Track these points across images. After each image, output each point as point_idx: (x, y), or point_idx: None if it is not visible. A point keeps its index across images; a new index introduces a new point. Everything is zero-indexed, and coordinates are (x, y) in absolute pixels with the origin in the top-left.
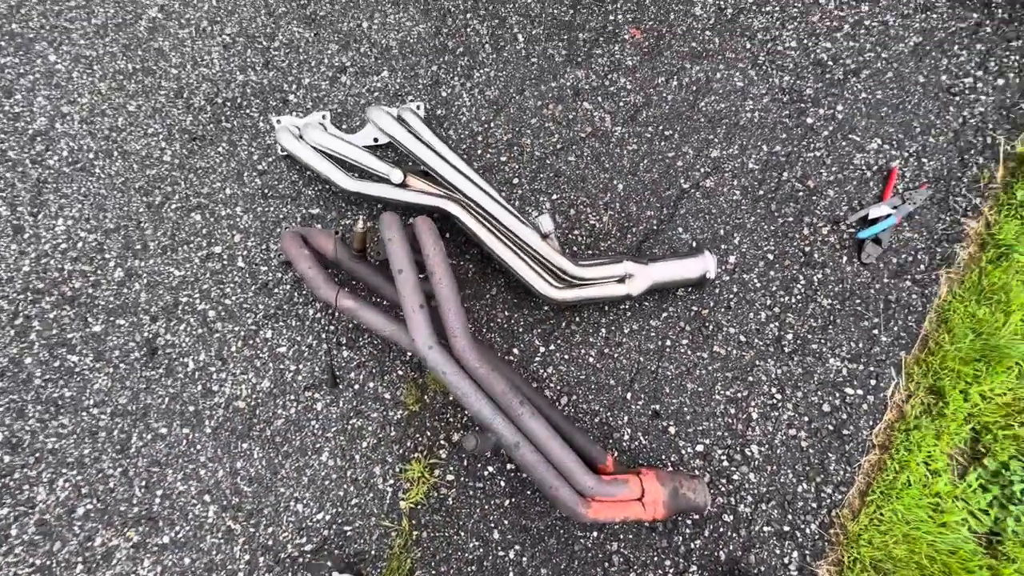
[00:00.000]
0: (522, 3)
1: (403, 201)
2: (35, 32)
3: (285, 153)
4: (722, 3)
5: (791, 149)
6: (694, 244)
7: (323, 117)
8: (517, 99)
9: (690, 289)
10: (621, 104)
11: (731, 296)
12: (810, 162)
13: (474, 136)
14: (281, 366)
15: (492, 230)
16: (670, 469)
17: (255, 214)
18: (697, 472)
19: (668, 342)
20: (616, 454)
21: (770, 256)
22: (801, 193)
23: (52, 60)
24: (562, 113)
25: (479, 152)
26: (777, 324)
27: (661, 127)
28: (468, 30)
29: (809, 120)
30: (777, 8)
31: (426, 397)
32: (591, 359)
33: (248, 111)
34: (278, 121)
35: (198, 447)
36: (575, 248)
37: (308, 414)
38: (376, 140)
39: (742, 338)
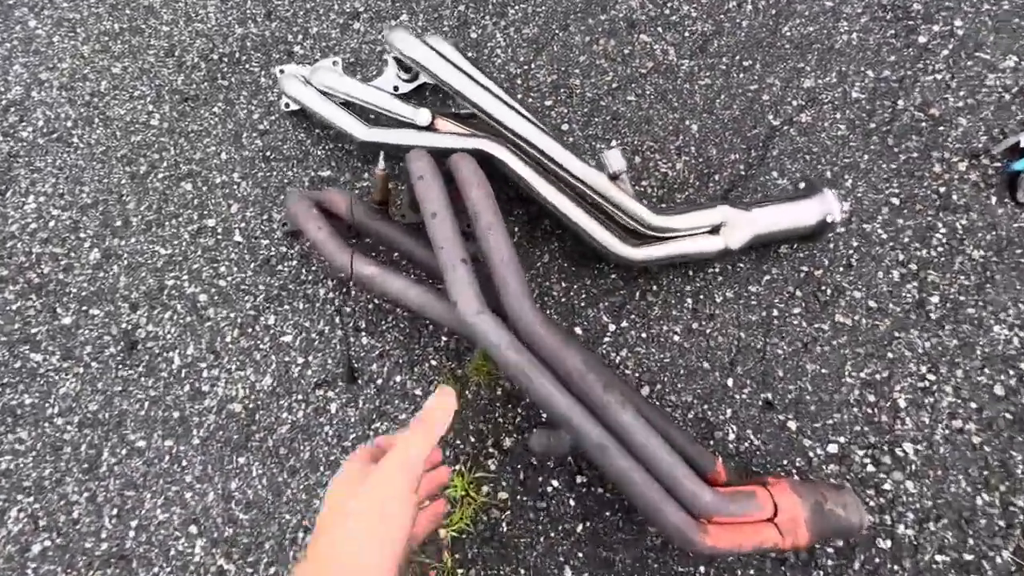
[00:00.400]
0: None
1: (433, 147)
2: None
3: (290, 109)
4: None
5: (904, 73)
6: (803, 184)
7: (334, 63)
8: (561, 36)
9: (796, 246)
10: (687, 34)
11: (850, 252)
12: (930, 87)
13: (512, 79)
14: (286, 359)
15: (545, 174)
16: (806, 479)
17: (255, 180)
18: (836, 481)
19: (775, 312)
20: (721, 459)
21: (895, 201)
22: (924, 124)
23: (32, 26)
24: (616, 48)
25: (519, 97)
26: (916, 284)
27: (738, 57)
28: None
29: (922, 39)
30: None
31: (467, 393)
32: (676, 337)
33: (248, 66)
34: (281, 70)
35: (184, 463)
36: (645, 201)
37: (320, 418)
38: (396, 88)
39: (872, 303)
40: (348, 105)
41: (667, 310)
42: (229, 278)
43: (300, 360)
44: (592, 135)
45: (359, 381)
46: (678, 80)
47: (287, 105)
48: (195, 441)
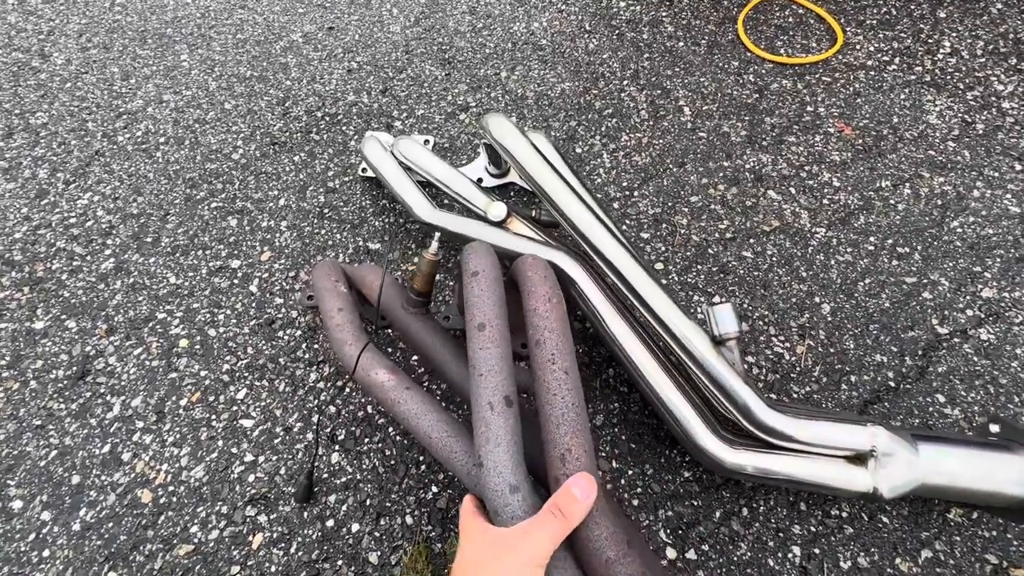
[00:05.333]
0: (693, 80)
1: (500, 247)
2: (182, 36)
3: (365, 174)
4: (967, 117)
5: None
6: (997, 425)
7: (425, 141)
8: (675, 171)
9: (979, 514)
10: (825, 202)
11: None
12: None
13: (609, 200)
14: (234, 450)
15: (627, 316)
16: None
17: (300, 232)
18: None
19: None
20: None
21: None
22: None
23: (182, 59)
24: (736, 198)
25: (614, 219)
26: None
27: (891, 240)
28: (622, 95)
29: None
30: None
31: None
32: None
33: (345, 128)
34: (371, 133)
35: (44, 553)
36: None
37: (233, 551)
38: (480, 180)
39: None
40: (424, 185)
41: (761, 556)
42: (222, 329)
43: (249, 458)
44: (691, 283)
45: (311, 502)
46: (809, 248)
47: (364, 170)
48: (75, 527)
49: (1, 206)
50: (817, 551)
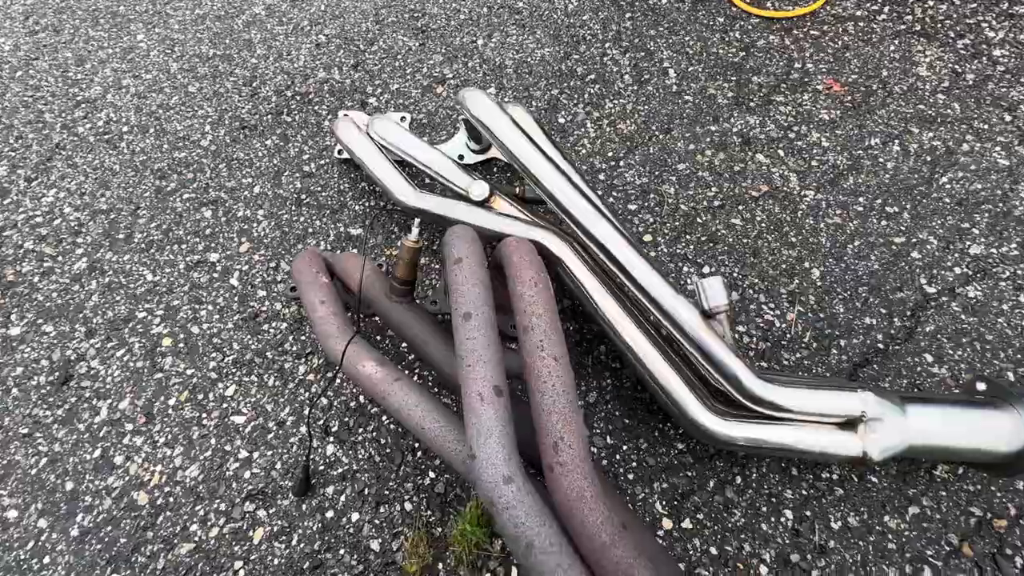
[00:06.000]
0: (677, 40)
1: (484, 228)
2: (136, 14)
3: (342, 156)
4: (957, 68)
5: None
6: (982, 384)
7: (402, 118)
8: (660, 138)
9: (967, 470)
10: (814, 163)
11: None
12: None
13: (594, 173)
14: (227, 447)
15: (616, 292)
16: None
17: (279, 221)
18: None
19: (926, 571)
20: None
21: None
22: None
23: (139, 39)
24: (724, 163)
25: (600, 194)
26: None
27: (880, 200)
28: (604, 59)
29: None
30: None
31: (440, 565)
32: (764, 569)
33: (317, 108)
34: (344, 113)
35: (45, 560)
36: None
37: (234, 546)
38: (461, 157)
39: None
40: (402, 165)
41: (754, 522)
42: (206, 326)
43: (243, 454)
44: (680, 254)
45: (309, 495)
46: (798, 212)
47: (340, 152)
48: (73, 532)
49: None
50: (808, 513)
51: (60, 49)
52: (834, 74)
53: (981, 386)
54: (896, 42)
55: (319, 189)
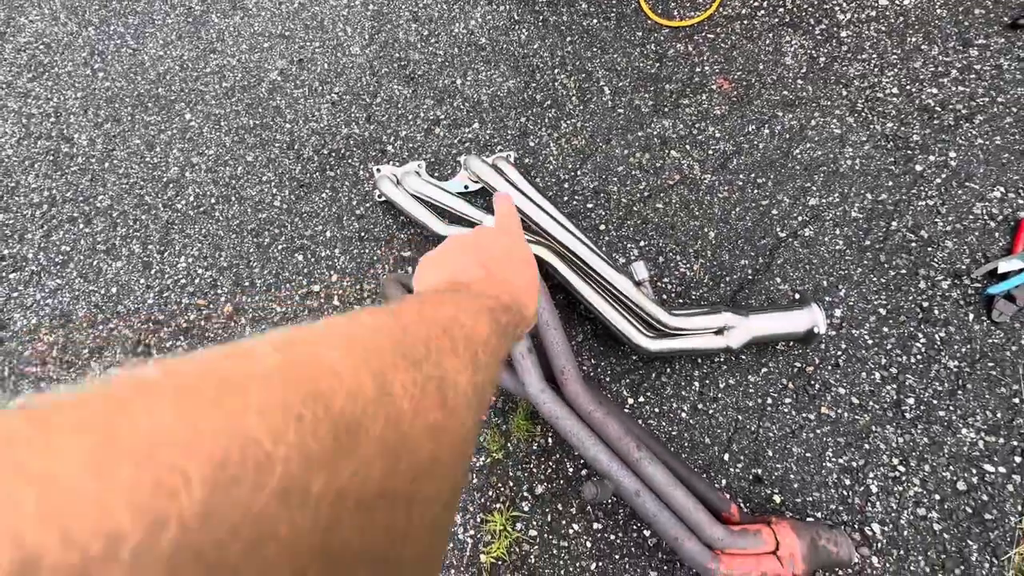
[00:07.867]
0: (608, 59)
1: None
2: (176, 95)
3: (382, 199)
4: (814, 52)
5: (899, 197)
6: (798, 296)
7: (419, 166)
8: (603, 148)
9: (792, 344)
10: (710, 152)
11: (839, 353)
12: (922, 211)
13: (560, 183)
14: None
15: (584, 277)
16: (805, 520)
17: (351, 255)
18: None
19: (769, 400)
20: (740, 503)
21: (882, 311)
22: (914, 244)
23: (187, 118)
24: (649, 161)
25: (565, 199)
26: (895, 386)
27: (753, 175)
28: (556, 84)
29: (918, 167)
30: (874, 55)
31: (509, 445)
32: (684, 414)
33: (350, 161)
34: (378, 169)
35: None
36: (664, 297)
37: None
38: (466, 187)
39: (854, 400)
40: (430, 205)
41: (677, 390)
42: None
43: None
44: (624, 236)
45: None
46: (700, 192)
47: (379, 196)
48: None
49: (123, 282)
50: (707, 381)
51: (128, 137)
52: (725, 73)
53: (797, 298)
54: (771, 35)
55: (372, 227)
